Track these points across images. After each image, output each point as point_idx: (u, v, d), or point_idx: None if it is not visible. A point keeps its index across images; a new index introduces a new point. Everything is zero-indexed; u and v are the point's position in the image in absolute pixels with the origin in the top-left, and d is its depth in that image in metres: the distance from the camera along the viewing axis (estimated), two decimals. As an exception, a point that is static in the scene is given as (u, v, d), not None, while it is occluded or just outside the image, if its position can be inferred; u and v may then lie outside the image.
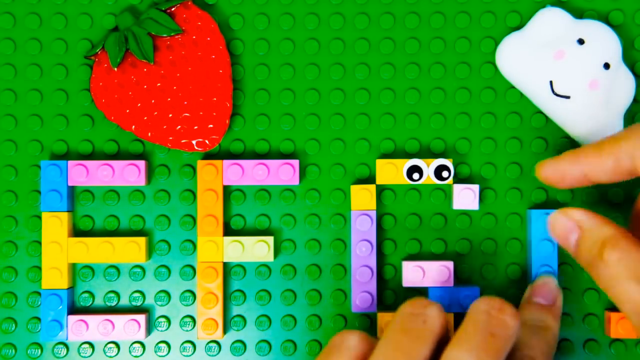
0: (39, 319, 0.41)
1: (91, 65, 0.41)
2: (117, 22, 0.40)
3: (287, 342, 0.41)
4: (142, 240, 0.40)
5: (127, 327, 0.40)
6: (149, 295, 0.41)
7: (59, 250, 0.40)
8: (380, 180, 0.40)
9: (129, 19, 0.40)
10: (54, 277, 0.40)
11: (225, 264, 0.41)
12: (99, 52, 0.40)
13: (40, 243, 0.41)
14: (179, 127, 0.39)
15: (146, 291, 0.41)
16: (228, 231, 0.41)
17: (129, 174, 0.40)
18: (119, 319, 0.40)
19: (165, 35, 0.39)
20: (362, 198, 0.40)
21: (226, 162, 0.40)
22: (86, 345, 0.41)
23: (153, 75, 0.39)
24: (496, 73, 0.41)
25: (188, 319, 0.41)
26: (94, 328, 0.40)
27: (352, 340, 0.33)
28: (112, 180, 0.40)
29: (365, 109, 0.41)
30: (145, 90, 0.39)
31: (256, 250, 0.40)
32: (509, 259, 0.41)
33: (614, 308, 0.40)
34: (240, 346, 0.41)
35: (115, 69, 0.39)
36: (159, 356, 0.41)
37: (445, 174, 0.40)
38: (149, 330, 0.41)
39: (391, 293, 0.41)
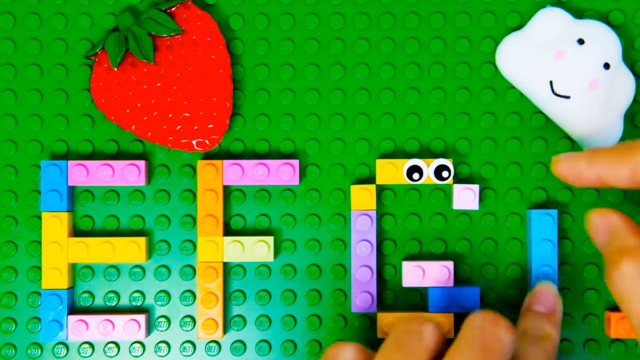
0: (39, 319, 0.41)
1: (91, 65, 0.41)
2: (117, 22, 0.40)
3: (287, 342, 0.41)
4: (142, 240, 0.40)
5: (127, 327, 0.40)
6: (149, 295, 0.41)
7: (59, 250, 0.40)
8: (380, 180, 0.40)
9: (129, 19, 0.40)
10: (54, 277, 0.40)
11: (225, 264, 0.41)
12: (99, 52, 0.40)
13: (40, 243, 0.41)
14: (179, 127, 0.39)
15: (146, 291, 0.41)
16: (228, 231, 0.41)
17: (129, 174, 0.40)
18: (119, 319, 0.40)
19: (165, 35, 0.39)
20: (362, 198, 0.40)
21: (226, 162, 0.40)
22: (86, 345, 0.41)
23: (153, 75, 0.39)
24: (496, 73, 0.41)
25: (188, 319, 0.41)
26: (94, 328, 0.40)
27: (348, 353, 0.33)
28: (112, 180, 0.40)
29: (365, 109, 0.41)
30: (145, 90, 0.39)
31: (256, 250, 0.40)
32: (509, 259, 0.41)
33: (614, 308, 0.40)
34: (240, 346, 0.41)
35: (115, 69, 0.39)
36: (159, 356, 0.41)
37: (445, 174, 0.40)
38: (149, 330, 0.41)
39: (391, 293, 0.41)
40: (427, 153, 0.41)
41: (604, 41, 0.39)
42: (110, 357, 0.41)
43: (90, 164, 0.40)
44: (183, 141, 0.39)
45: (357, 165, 0.41)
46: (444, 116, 0.41)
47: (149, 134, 0.39)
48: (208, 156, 0.41)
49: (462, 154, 0.41)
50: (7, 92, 0.41)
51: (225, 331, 0.41)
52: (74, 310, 0.41)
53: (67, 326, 0.40)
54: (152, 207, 0.41)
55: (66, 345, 0.41)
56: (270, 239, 0.40)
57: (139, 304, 0.41)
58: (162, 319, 0.41)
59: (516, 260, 0.41)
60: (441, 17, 0.41)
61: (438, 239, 0.41)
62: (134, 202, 0.41)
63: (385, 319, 0.40)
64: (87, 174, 0.40)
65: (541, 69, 0.39)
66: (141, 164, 0.40)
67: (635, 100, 0.41)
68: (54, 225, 0.40)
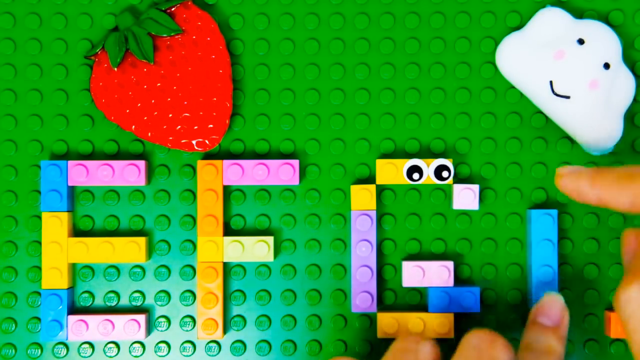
0: (39, 319, 0.41)
1: (91, 65, 0.41)
2: (117, 22, 0.40)
3: (287, 342, 0.41)
4: (142, 240, 0.40)
5: (127, 327, 0.40)
6: (149, 295, 0.41)
7: (59, 250, 0.40)
8: (380, 180, 0.40)
9: (129, 19, 0.40)
10: (54, 277, 0.40)
11: (225, 264, 0.41)
12: (99, 52, 0.40)
13: (40, 243, 0.41)
14: (179, 127, 0.39)
15: (146, 291, 0.41)
16: (228, 231, 0.41)
17: (129, 174, 0.40)
18: (119, 319, 0.40)
19: (165, 35, 0.39)
20: (362, 198, 0.40)
21: (226, 162, 0.40)
22: (86, 345, 0.41)
23: (153, 75, 0.39)
24: (496, 73, 0.41)
25: (188, 319, 0.41)
26: (94, 328, 0.40)
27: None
28: (112, 180, 0.40)
29: (365, 109, 0.41)
30: (145, 90, 0.39)
31: (256, 250, 0.40)
32: (509, 259, 0.41)
33: (614, 308, 0.40)
34: (240, 346, 0.41)
35: (115, 69, 0.39)
36: (159, 356, 0.41)
37: (445, 174, 0.40)
38: (149, 330, 0.41)
39: (391, 293, 0.41)
40: (427, 153, 0.41)
41: (604, 41, 0.39)
42: (110, 357, 0.41)
43: (90, 164, 0.40)
44: (183, 141, 0.39)
45: (357, 165, 0.41)
46: (444, 116, 0.41)
47: (149, 134, 0.39)
48: (208, 156, 0.41)
49: (462, 154, 0.41)
50: (7, 92, 0.41)
51: (225, 331, 0.41)
52: (74, 310, 0.41)
53: (67, 326, 0.40)
54: (152, 207, 0.41)
55: (66, 345, 0.41)
56: (270, 239, 0.40)
57: (139, 304, 0.41)
58: (162, 319, 0.41)
59: (516, 260, 0.41)
60: (441, 17, 0.41)
61: (438, 239, 0.41)
62: (134, 202, 0.41)
63: (385, 319, 0.40)
64: (87, 174, 0.40)
65: (541, 69, 0.39)
66: (141, 164, 0.40)
67: (635, 100, 0.41)
68: (54, 225, 0.40)
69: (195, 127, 0.39)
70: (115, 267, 0.41)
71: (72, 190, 0.41)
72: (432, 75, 0.41)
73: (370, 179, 0.41)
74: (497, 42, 0.41)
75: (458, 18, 0.41)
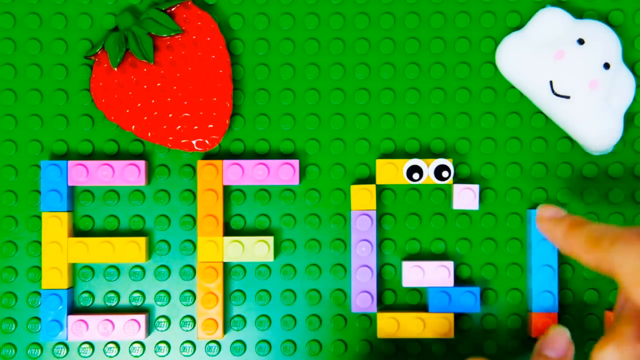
0: (39, 319, 0.41)
1: (91, 65, 0.41)
2: (117, 22, 0.40)
3: (287, 342, 0.41)
4: (142, 240, 0.40)
5: (127, 327, 0.40)
6: (149, 295, 0.41)
7: (59, 250, 0.40)
8: (380, 180, 0.40)
9: (129, 19, 0.40)
10: (54, 277, 0.40)
11: (225, 264, 0.41)
12: (99, 52, 0.40)
13: (40, 243, 0.41)
14: (179, 127, 0.39)
15: (146, 291, 0.41)
16: (228, 231, 0.41)
17: (129, 174, 0.40)
18: (119, 319, 0.40)
19: (165, 35, 0.39)
20: (362, 198, 0.40)
21: (226, 162, 0.40)
22: (86, 345, 0.41)
23: (153, 75, 0.39)
24: (496, 73, 0.41)
25: (188, 319, 0.41)
26: (94, 328, 0.40)
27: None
28: (112, 180, 0.40)
29: (365, 109, 0.41)
30: (145, 90, 0.39)
31: (256, 250, 0.40)
32: (509, 259, 0.41)
33: (613, 308, 0.40)
34: (240, 346, 0.41)
35: (115, 69, 0.39)
36: (159, 356, 0.41)
37: (445, 174, 0.40)
38: (149, 330, 0.41)
39: (391, 293, 0.41)
40: (427, 153, 0.41)
41: (604, 41, 0.39)
42: (110, 357, 0.41)
43: (90, 164, 0.40)
44: (183, 141, 0.39)
45: (357, 165, 0.41)
46: (444, 116, 0.41)
47: (149, 134, 0.39)
48: (208, 156, 0.41)
49: (462, 154, 0.41)
50: (7, 92, 0.41)
51: (225, 331, 0.41)
52: (74, 310, 0.41)
53: (67, 326, 0.40)
54: (152, 207, 0.41)
55: (66, 345, 0.41)
56: (270, 239, 0.40)
57: (139, 304, 0.41)
58: (162, 319, 0.41)
59: (516, 260, 0.41)
60: (441, 17, 0.41)
61: (438, 239, 0.41)
62: (134, 202, 0.41)
63: (385, 319, 0.40)
64: (87, 174, 0.40)
65: (541, 69, 0.39)
66: (141, 164, 0.40)
67: (635, 100, 0.41)
68: (54, 225, 0.40)
69: (195, 127, 0.39)
70: (115, 267, 0.41)
71: (72, 190, 0.41)
72: (432, 75, 0.41)
73: (370, 179, 0.41)
74: (497, 42, 0.41)
75: (458, 18, 0.41)
